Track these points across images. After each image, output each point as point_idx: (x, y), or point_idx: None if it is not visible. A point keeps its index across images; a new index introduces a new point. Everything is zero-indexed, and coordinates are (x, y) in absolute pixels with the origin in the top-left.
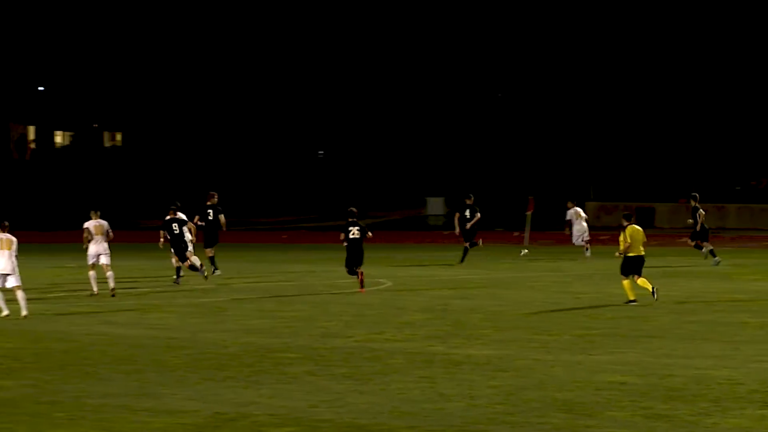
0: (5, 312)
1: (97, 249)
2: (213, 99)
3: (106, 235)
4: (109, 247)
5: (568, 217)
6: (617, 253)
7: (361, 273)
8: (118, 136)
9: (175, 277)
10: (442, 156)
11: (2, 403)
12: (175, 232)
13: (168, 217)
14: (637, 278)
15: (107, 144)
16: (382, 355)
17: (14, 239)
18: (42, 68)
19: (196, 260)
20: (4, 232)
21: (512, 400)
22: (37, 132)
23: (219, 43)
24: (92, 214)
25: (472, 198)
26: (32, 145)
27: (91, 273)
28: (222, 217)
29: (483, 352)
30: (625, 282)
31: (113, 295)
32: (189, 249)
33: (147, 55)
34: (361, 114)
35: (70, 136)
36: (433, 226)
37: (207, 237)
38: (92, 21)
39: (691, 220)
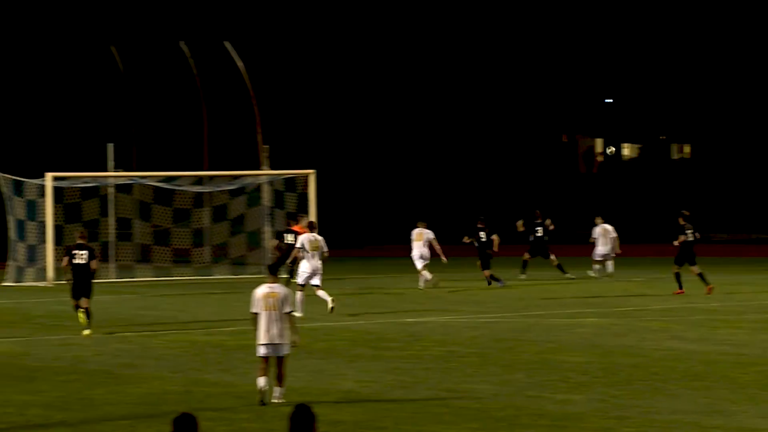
0: (300, 313)
1: (420, 252)
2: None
3: (427, 243)
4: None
5: (594, 235)
6: None
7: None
8: (687, 149)
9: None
10: None
11: (570, 417)
12: (482, 240)
13: (478, 226)
14: None
15: (675, 156)
16: None
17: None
18: (610, 81)
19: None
20: (313, 232)
21: None
22: (604, 145)
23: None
24: (419, 224)
25: None
26: (599, 158)
27: (424, 272)
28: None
29: None
30: None
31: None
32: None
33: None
34: None
35: (638, 148)
36: None
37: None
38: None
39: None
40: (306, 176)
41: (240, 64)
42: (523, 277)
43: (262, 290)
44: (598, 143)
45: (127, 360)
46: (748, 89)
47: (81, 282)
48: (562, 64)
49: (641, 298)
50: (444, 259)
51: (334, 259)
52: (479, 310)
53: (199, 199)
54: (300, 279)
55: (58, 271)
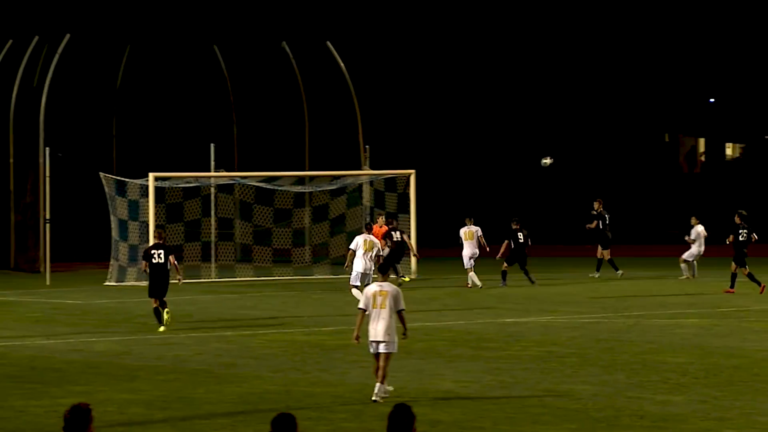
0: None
1: (472, 252)
2: None
3: (477, 240)
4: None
5: (693, 236)
6: None
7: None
8: None
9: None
10: None
11: (671, 418)
12: (520, 240)
13: (514, 227)
14: None
15: None
16: None
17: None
18: (713, 80)
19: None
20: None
21: None
22: (707, 144)
23: None
24: (467, 220)
25: None
26: (702, 158)
27: (471, 273)
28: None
29: None
30: None
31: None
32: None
33: None
34: None
35: (741, 148)
36: None
37: (602, 240)
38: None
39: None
40: (407, 176)
41: (342, 64)
42: (620, 273)
43: (372, 288)
44: (701, 143)
45: (228, 359)
46: None
47: (158, 281)
48: (665, 63)
49: (742, 298)
50: (487, 249)
51: (434, 258)
52: (579, 311)
53: (299, 199)
54: (353, 279)
55: (139, 274)
